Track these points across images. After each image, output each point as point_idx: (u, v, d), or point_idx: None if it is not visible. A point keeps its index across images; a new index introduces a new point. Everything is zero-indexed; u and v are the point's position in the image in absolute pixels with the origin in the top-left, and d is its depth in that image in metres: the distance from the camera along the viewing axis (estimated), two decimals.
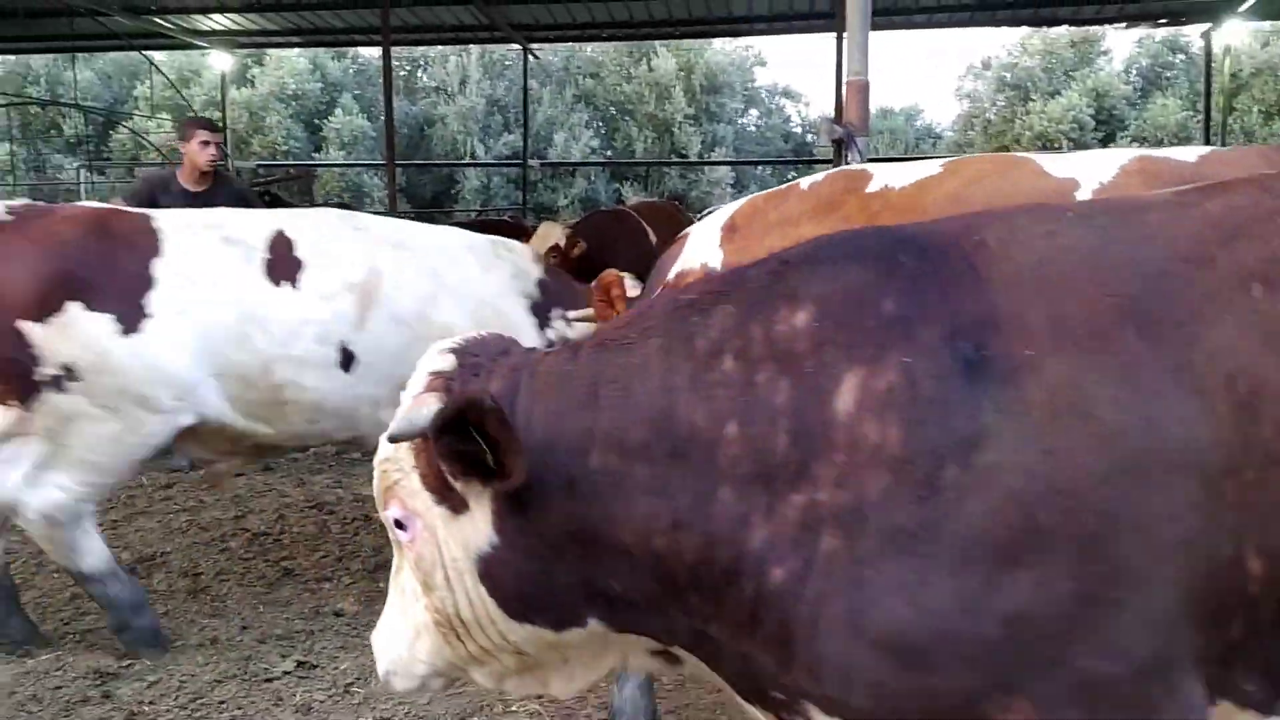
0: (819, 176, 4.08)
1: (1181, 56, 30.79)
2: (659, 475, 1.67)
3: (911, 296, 1.57)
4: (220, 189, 6.70)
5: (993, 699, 1.45)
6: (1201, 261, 1.51)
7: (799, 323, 1.61)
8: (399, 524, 1.93)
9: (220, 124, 20.17)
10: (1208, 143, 17.98)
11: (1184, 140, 25.06)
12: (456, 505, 1.83)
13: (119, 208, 4.33)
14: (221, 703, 3.63)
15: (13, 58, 27.79)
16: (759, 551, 1.57)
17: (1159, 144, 24.31)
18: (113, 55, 27.83)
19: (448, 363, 1.95)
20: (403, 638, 2.08)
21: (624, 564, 1.74)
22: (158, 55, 20.31)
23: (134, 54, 21.81)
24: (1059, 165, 3.53)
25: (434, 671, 2.10)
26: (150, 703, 3.63)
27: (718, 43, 30.22)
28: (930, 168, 3.76)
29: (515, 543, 1.80)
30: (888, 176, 3.72)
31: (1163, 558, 1.40)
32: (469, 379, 1.89)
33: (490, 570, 1.83)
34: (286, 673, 3.85)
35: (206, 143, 6.50)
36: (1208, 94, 18.71)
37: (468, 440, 1.67)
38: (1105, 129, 29.63)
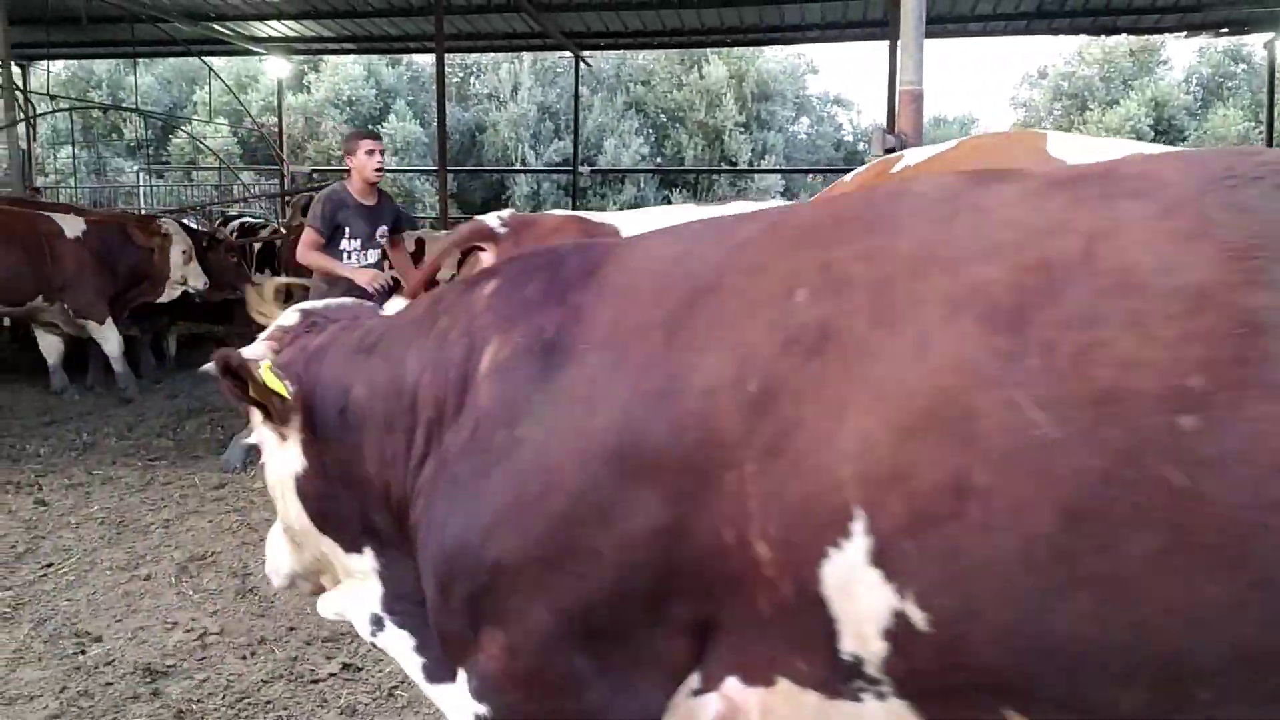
0: (862, 169, 4.19)
1: (1243, 66, 30.12)
2: (389, 412, 1.94)
3: (547, 287, 1.79)
4: (384, 203, 6.72)
5: (485, 632, 1.70)
6: (756, 270, 1.58)
7: (485, 293, 1.89)
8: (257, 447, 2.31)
9: (278, 128, 20.57)
10: None
11: None
12: (281, 434, 2.14)
13: (593, 220, 4.39)
14: (268, 703, 3.67)
15: (76, 63, 28.42)
16: (418, 486, 1.84)
17: None
18: (172, 61, 28.32)
19: (293, 320, 2.30)
20: (277, 542, 2.45)
21: (375, 496, 2.02)
22: (216, 61, 20.56)
23: (193, 59, 22.17)
24: (1059, 145, 3.60)
25: (295, 573, 2.42)
26: (198, 701, 3.67)
27: (769, 50, 30.07)
28: (947, 145, 3.86)
29: (314, 468, 2.11)
30: (912, 156, 3.84)
31: (627, 542, 1.52)
32: (301, 334, 2.23)
33: (301, 489, 2.15)
34: (332, 674, 3.89)
35: (372, 152, 6.39)
36: (1270, 105, 18.30)
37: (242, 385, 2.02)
38: (1164, 139, 29.07)
